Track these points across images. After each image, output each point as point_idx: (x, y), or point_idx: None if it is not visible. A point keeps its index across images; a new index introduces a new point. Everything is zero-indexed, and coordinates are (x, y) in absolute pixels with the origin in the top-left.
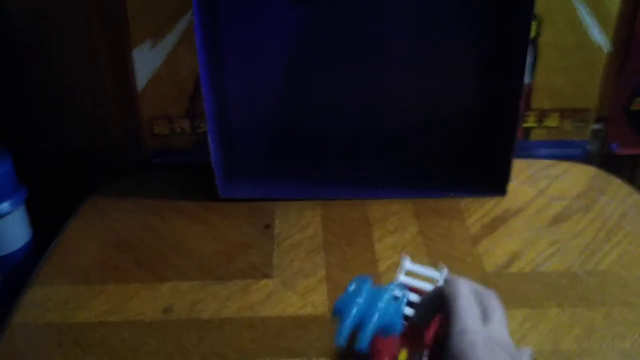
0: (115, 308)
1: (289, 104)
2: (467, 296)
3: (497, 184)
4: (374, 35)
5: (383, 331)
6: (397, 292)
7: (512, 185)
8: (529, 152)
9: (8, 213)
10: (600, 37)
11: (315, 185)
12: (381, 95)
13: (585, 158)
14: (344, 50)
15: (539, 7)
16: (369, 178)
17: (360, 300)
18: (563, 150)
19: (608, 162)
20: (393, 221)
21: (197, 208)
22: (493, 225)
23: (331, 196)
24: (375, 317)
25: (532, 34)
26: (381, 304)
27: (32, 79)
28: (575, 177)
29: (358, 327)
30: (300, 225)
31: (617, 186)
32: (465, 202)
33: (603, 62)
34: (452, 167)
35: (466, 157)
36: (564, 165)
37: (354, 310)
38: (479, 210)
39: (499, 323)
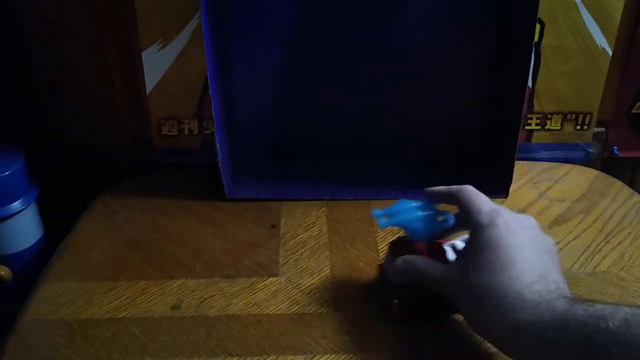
0: (125, 304)
1: (296, 106)
2: (476, 191)
3: (499, 186)
4: (378, 38)
5: (407, 230)
6: (446, 218)
7: (514, 187)
8: (531, 155)
9: (20, 211)
10: (602, 41)
11: (320, 185)
12: (385, 97)
13: (586, 161)
14: (349, 53)
15: (542, 11)
16: (373, 179)
17: (405, 205)
18: (565, 153)
19: (609, 165)
20: None
21: (204, 208)
22: None
23: (336, 197)
24: (408, 216)
25: (535, 37)
26: (420, 213)
27: (42, 80)
28: (576, 179)
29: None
30: (306, 225)
31: (618, 188)
32: None
33: (605, 66)
34: (454, 168)
35: (469, 159)
36: (566, 167)
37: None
38: None
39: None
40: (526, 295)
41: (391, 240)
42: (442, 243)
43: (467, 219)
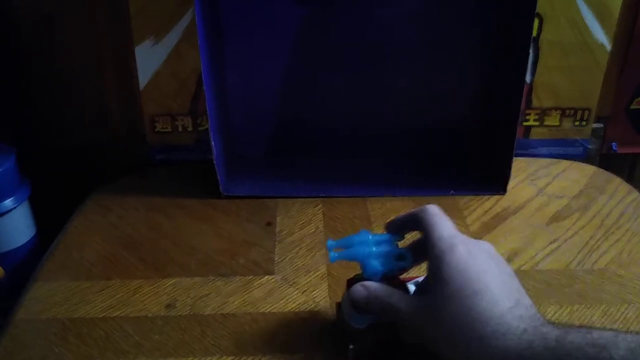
0: (118, 303)
1: (291, 103)
2: (439, 212)
3: (497, 182)
4: (376, 36)
5: (361, 265)
6: (404, 256)
7: (512, 183)
8: (529, 151)
9: (12, 209)
10: (601, 36)
11: (316, 183)
12: (382, 94)
13: (585, 157)
14: (345, 49)
15: (541, 5)
16: (370, 176)
17: (361, 238)
18: (563, 149)
19: (608, 161)
20: None
21: (199, 205)
22: (493, 223)
23: (332, 194)
24: (362, 251)
25: (534, 32)
26: (375, 249)
27: (36, 76)
28: (575, 175)
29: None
30: (302, 222)
31: (616, 184)
32: (466, 200)
33: (604, 62)
34: (452, 165)
35: (467, 156)
36: (564, 163)
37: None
38: (479, 208)
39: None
40: (509, 320)
41: (350, 277)
42: (405, 281)
43: (427, 244)
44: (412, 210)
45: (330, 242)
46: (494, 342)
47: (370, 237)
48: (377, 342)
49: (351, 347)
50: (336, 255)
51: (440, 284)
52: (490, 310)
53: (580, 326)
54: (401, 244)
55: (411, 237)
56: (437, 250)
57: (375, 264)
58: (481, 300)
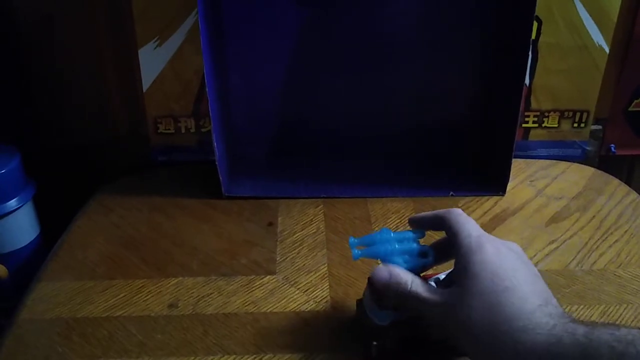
0: (121, 303)
1: (293, 104)
2: (464, 214)
3: (496, 184)
4: (376, 36)
5: (383, 263)
6: (426, 253)
7: (511, 184)
8: (528, 153)
9: (16, 209)
10: (599, 39)
11: (317, 183)
12: (383, 95)
13: (584, 158)
14: (346, 51)
15: (540, 8)
16: (370, 177)
17: (383, 236)
18: (562, 151)
19: (606, 163)
20: (394, 219)
21: (201, 206)
22: (492, 224)
23: (333, 194)
24: (385, 248)
25: (532, 35)
26: (398, 246)
27: (36, 76)
28: (573, 177)
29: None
30: (303, 222)
31: (615, 186)
32: (465, 201)
33: (603, 64)
34: (452, 166)
35: (466, 157)
36: (563, 165)
37: (373, 236)
38: (478, 209)
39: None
40: (539, 317)
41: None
42: (426, 277)
43: (454, 244)
44: (437, 210)
45: (352, 240)
46: (523, 337)
47: (392, 234)
48: (399, 338)
49: (374, 343)
50: (359, 252)
51: (469, 280)
52: (520, 307)
53: (608, 323)
54: (422, 241)
55: (430, 235)
56: (465, 248)
57: (398, 261)
58: (511, 297)
